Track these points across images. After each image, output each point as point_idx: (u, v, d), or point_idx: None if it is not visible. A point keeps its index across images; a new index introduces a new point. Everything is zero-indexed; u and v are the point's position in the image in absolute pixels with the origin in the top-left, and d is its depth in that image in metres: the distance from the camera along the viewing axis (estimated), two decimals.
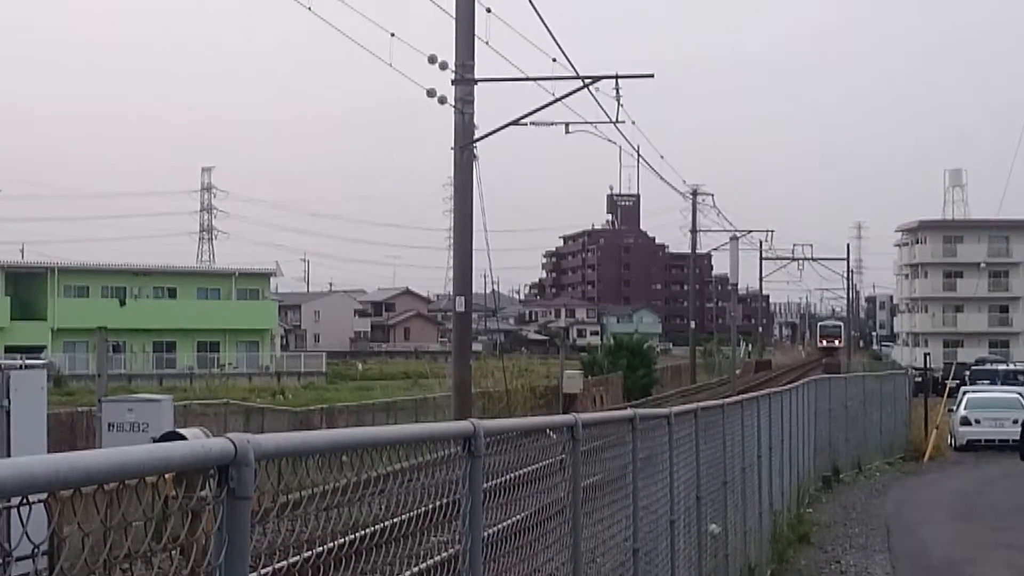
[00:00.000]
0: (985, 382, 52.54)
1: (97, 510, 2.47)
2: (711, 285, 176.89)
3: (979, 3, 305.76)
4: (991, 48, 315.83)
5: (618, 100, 28.90)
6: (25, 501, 2.25)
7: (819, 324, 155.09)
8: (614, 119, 29.58)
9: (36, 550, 2.42)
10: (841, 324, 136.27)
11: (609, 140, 34.23)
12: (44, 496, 2.80)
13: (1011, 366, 61.67)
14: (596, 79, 28.97)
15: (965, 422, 39.61)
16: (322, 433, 3.42)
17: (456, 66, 26.98)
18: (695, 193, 79.88)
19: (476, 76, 27.28)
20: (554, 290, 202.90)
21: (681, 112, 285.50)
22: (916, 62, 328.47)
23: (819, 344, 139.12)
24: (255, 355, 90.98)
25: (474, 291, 29.10)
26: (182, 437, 3.07)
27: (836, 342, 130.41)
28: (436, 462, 4.68)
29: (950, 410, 41.72)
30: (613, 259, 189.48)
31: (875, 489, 29.69)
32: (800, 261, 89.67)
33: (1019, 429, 34.34)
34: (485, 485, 4.84)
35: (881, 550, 20.32)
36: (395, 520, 4.49)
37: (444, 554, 4.91)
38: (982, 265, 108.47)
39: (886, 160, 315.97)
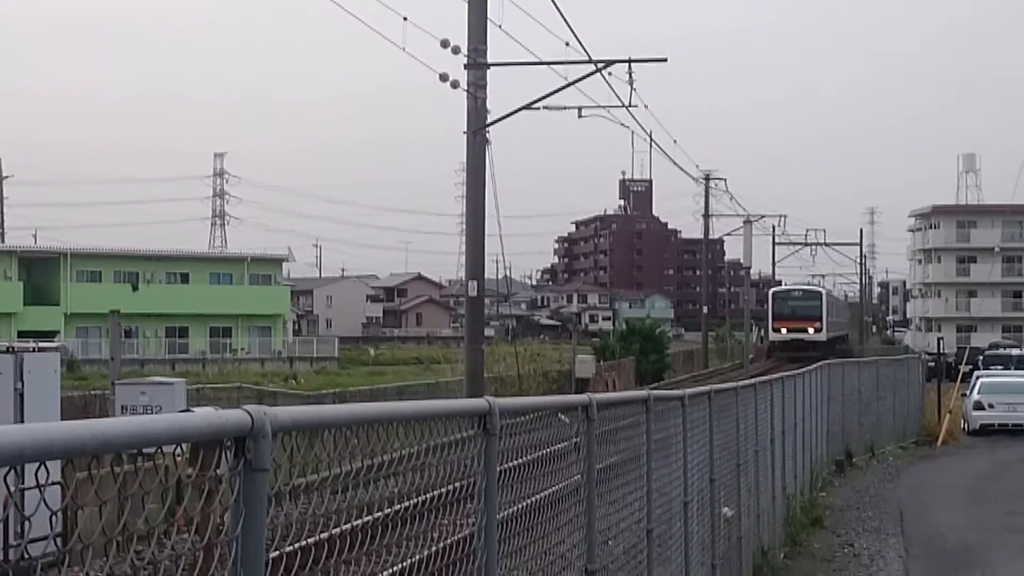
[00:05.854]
0: (999, 367, 52.59)
1: (115, 479, 2.46)
2: (723, 270, 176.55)
3: None
4: (1006, 31, 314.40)
5: (631, 84, 28.89)
6: (44, 471, 2.23)
7: (771, 292, 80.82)
8: (627, 103, 29.57)
9: (53, 519, 2.41)
10: (821, 292, 79.86)
11: (622, 124, 34.24)
12: (59, 478, 2.80)
13: None
14: (609, 63, 28.90)
15: (979, 407, 39.59)
16: (339, 407, 3.41)
17: (469, 50, 26.91)
18: (707, 178, 79.73)
19: (489, 60, 27.22)
20: (566, 275, 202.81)
21: (694, 97, 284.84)
22: (930, 44, 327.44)
23: (772, 328, 77.16)
24: (267, 340, 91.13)
25: (486, 276, 29.08)
26: None
27: (810, 328, 74.31)
28: (449, 445, 4.66)
29: (963, 395, 41.67)
30: (625, 244, 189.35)
31: (888, 473, 29.66)
32: (813, 246, 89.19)
33: None
34: (499, 467, 4.82)
35: (894, 534, 20.30)
36: (409, 502, 4.48)
37: (459, 535, 4.90)
38: (996, 250, 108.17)
39: (899, 145, 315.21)
